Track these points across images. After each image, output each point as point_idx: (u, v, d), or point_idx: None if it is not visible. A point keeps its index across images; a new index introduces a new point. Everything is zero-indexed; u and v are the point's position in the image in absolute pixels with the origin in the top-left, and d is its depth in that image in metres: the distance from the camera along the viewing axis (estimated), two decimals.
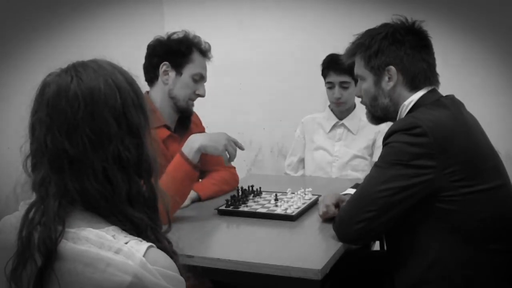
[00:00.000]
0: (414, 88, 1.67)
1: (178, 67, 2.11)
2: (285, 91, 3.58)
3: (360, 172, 2.73)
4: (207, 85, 2.20)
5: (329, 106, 2.87)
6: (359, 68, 1.74)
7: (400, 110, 1.68)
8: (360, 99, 1.80)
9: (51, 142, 0.92)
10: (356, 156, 2.76)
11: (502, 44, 3.03)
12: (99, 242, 0.88)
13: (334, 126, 2.83)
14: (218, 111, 3.59)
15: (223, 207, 1.98)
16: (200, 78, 2.15)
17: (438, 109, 1.59)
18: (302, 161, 2.94)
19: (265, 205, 2.00)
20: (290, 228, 1.82)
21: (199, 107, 2.27)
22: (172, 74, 2.11)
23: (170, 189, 1.79)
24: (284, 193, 2.12)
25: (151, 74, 2.15)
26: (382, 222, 1.55)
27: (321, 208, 1.83)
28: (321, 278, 1.44)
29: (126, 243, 0.89)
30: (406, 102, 1.66)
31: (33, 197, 0.94)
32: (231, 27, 3.66)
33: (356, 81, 1.82)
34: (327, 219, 1.81)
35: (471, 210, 1.51)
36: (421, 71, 1.66)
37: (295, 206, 1.94)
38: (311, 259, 1.51)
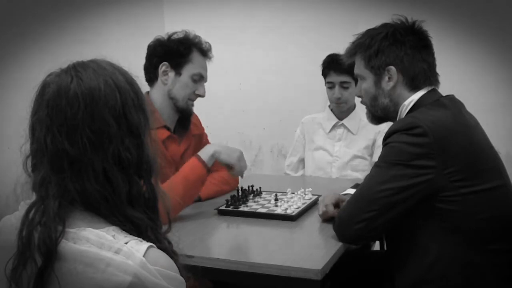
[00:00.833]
0: (414, 88, 1.67)
1: (177, 67, 2.11)
2: (285, 91, 3.59)
3: (360, 172, 2.73)
4: (207, 85, 2.19)
5: (329, 106, 2.87)
6: (359, 68, 1.74)
7: (400, 110, 1.68)
8: (360, 99, 1.81)
9: (51, 142, 0.92)
10: (356, 156, 2.76)
11: (502, 44, 3.03)
12: (99, 242, 0.88)
13: (334, 126, 2.83)
14: (218, 111, 3.59)
15: (223, 207, 1.98)
16: (199, 78, 2.14)
17: (438, 109, 1.59)
18: (302, 161, 2.94)
19: (265, 205, 2.00)
20: (290, 228, 1.82)
21: (199, 107, 2.27)
22: (171, 74, 2.11)
23: (180, 189, 1.83)
24: (284, 193, 2.12)
25: (151, 75, 2.15)
26: (382, 222, 1.55)
27: (321, 208, 1.83)
28: (321, 278, 1.44)
29: (126, 243, 0.89)
30: (406, 102, 1.67)
31: (33, 197, 0.94)
32: (231, 27, 3.66)
33: (356, 81, 1.82)
34: (327, 219, 1.81)
35: (471, 210, 1.51)
36: (421, 71, 1.67)
37: (295, 206, 1.94)
38: (311, 259, 1.51)
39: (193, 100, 2.17)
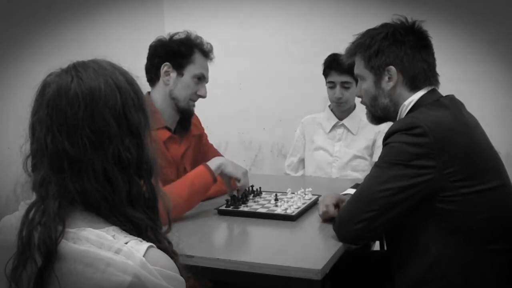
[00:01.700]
0: (414, 88, 1.67)
1: (179, 67, 2.11)
2: (285, 91, 3.59)
3: (360, 172, 2.73)
4: (207, 85, 2.20)
5: (329, 106, 2.87)
6: (359, 68, 1.74)
7: (400, 110, 1.68)
8: (360, 99, 1.81)
9: (51, 142, 0.92)
10: (356, 157, 2.76)
11: (502, 44, 3.03)
12: (99, 242, 0.88)
13: (334, 126, 2.83)
14: (218, 111, 3.59)
15: (223, 207, 1.98)
16: (201, 79, 2.15)
17: (438, 109, 1.59)
18: (302, 161, 2.94)
19: (265, 205, 2.00)
20: (290, 228, 1.82)
21: (199, 107, 2.27)
22: (173, 74, 2.11)
23: (185, 193, 1.87)
24: (284, 193, 2.12)
25: (152, 75, 2.15)
26: (382, 222, 1.55)
27: (321, 208, 1.83)
28: (321, 278, 1.44)
29: (126, 243, 0.89)
30: (406, 102, 1.67)
31: (33, 197, 0.94)
32: (231, 27, 3.66)
33: (357, 81, 1.82)
34: (327, 219, 1.81)
35: (471, 210, 1.51)
36: (421, 71, 1.67)
37: (295, 206, 1.94)
38: (311, 259, 1.51)
39: (195, 100, 2.17)
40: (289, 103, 3.57)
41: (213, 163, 1.98)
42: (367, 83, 1.72)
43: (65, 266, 0.87)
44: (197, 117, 2.33)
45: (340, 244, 1.62)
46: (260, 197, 2.11)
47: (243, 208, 1.97)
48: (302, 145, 2.92)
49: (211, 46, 2.18)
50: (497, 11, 3.02)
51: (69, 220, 0.91)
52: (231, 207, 1.98)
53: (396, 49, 1.66)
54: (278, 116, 3.63)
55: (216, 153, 2.36)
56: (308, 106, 3.28)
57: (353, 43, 1.75)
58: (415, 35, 1.68)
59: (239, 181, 2.01)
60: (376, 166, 1.59)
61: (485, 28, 3.03)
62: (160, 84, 2.13)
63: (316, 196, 2.08)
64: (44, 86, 0.95)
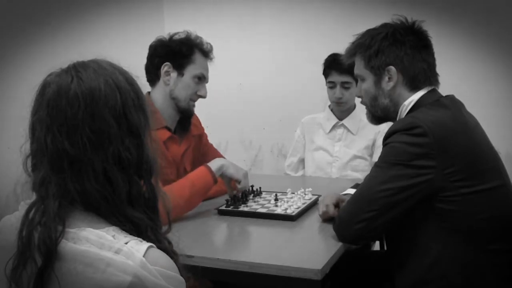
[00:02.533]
0: (414, 88, 1.67)
1: (179, 67, 2.11)
2: (285, 91, 3.58)
3: (360, 172, 2.72)
4: (207, 84, 2.20)
5: (329, 106, 2.87)
6: (359, 68, 1.74)
7: (400, 110, 1.68)
8: (360, 99, 1.81)
9: (51, 142, 0.92)
10: (356, 157, 2.76)
11: (502, 44, 3.03)
12: (99, 242, 0.88)
13: (334, 127, 2.83)
14: (218, 111, 3.59)
15: (223, 207, 1.98)
16: (201, 79, 2.15)
17: (438, 109, 1.59)
18: (302, 161, 2.94)
19: (265, 205, 2.00)
20: (290, 228, 1.82)
21: (199, 107, 2.27)
22: (173, 74, 2.11)
23: (186, 193, 1.87)
24: (284, 193, 2.12)
25: (152, 75, 2.15)
26: (382, 222, 1.55)
27: (321, 208, 1.83)
28: (321, 278, 1.44)
29: (126, 243, 0.89)
30: (406, 102, 1.67)
31: (33, 197, 0.94)
32: (232, 27, 3.66)
33: (357, 82, 1.82)
34: (327, 219, 1.81)
35: (471, 210, 1.51)
36: (421, 71, 1.67)
37: (295, 206, 1.94)
38: (311, 259, 1.51)
39: (195, 100, 2.17)
40: (289, 103, 3.57)
41: (214, 164, 1.99)
42: (367, 83, 1.72)
43: (65, 266, 0.87)
44: (197, 117, 2.33)
45: (340, 244, 1.62)
46: (260, 197, 2.11)
47: (243, 208, 1.97)
48: (302, 145, 2.92)
49: (211, 46, 2.18)
50: (497, 11, 3.02)
51: (69, 220, 0.91)
52: (231, 207, 1.98)
53: (396, 49, 1.66)
54: (278, 116, 3.63)
55: (216, 153, 2.36)
56: (308, 106, 3.28)
57: (353, 43, 1.75)
58: (415, 35, 1.68)
59: (239, 183, 2.01)
60: (376, 166, 1.59)
61: (485, 28, 3.03)
62: (160, 84, 2.13)
63: (316, 196, 2.08)
64: (44, 86, 0.95)
